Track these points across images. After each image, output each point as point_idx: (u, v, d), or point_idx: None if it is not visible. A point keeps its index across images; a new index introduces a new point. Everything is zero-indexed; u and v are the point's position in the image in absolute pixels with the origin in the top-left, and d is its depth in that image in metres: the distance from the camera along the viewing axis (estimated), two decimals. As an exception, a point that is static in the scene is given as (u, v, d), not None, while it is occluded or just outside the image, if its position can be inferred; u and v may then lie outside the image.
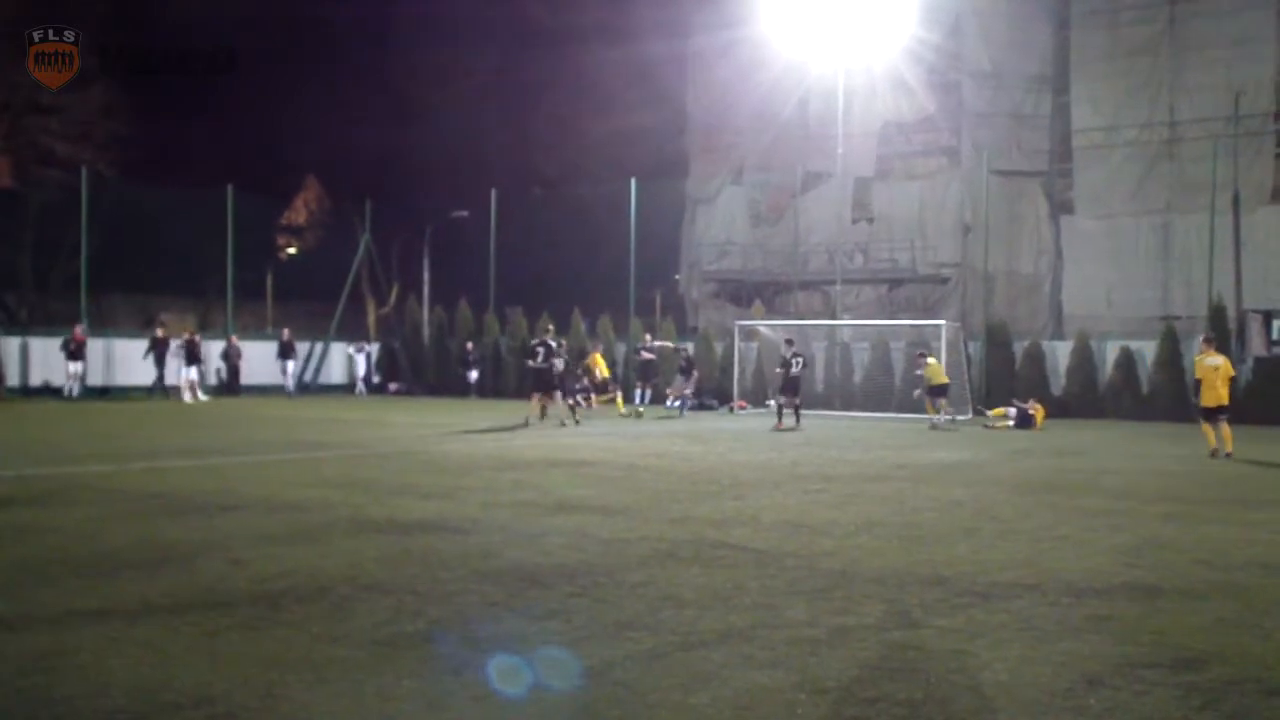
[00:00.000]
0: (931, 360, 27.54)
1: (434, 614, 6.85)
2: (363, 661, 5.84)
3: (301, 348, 40.65)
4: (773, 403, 33.41)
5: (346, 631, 6.43)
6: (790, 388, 25.70)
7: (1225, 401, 19.16)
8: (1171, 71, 35.18)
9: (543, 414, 24.91)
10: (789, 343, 27.01)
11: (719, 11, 40.79)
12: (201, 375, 34.96)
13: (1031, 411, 26.52)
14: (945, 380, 27.36)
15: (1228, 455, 18.43)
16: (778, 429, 24.57)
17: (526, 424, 24.24)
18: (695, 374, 31.50)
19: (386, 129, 54.27)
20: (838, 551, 9.12)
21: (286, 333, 38.47)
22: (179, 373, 34.08)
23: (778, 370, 26.54)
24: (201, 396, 33.93)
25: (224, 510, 10.93)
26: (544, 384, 24.79)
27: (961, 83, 38.85)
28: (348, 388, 41.51)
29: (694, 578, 8.00)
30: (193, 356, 34.22)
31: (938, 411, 26.88)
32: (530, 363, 25.13)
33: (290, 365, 37.80)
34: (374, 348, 42.44)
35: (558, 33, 56.32)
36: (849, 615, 6.94)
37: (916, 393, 28.07)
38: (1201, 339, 20.88)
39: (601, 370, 31.78)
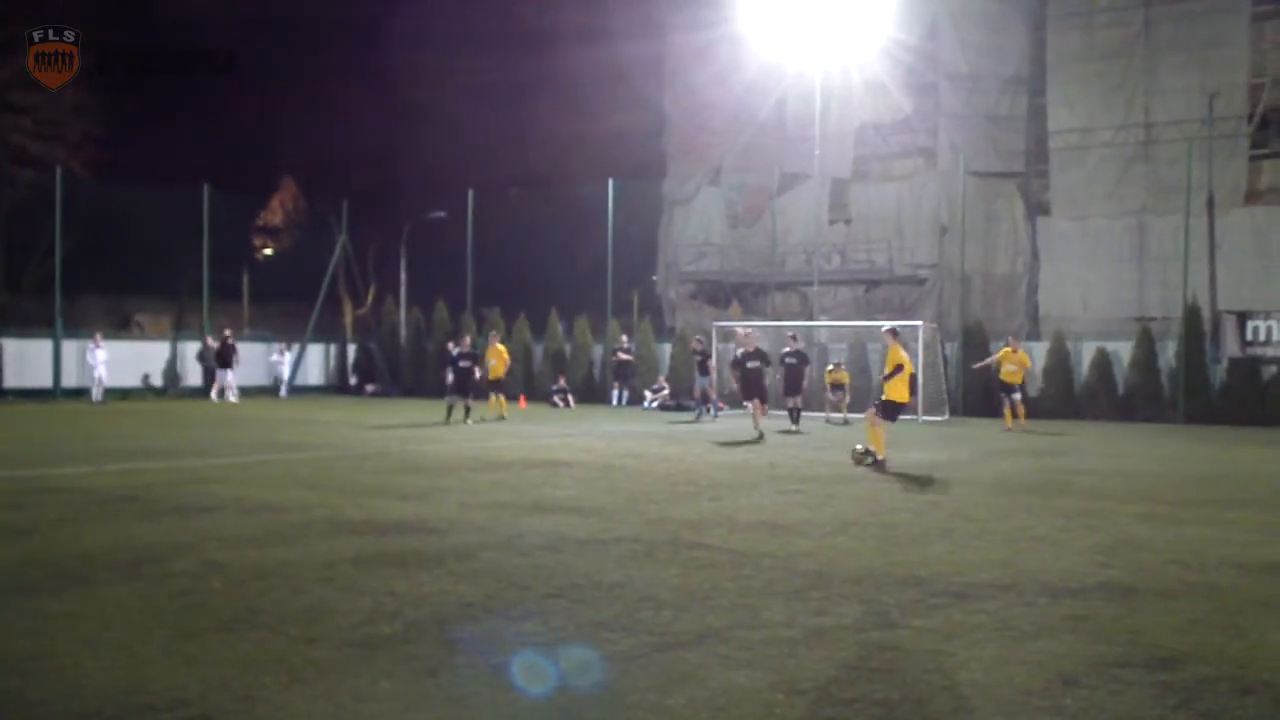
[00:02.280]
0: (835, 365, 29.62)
1: (411, 615, 6.84)
2: (340, 663, 5.83)
3: (275, 348, 40.52)
4: (748, 405, 33.53)
5: (323, 633, 6.41)
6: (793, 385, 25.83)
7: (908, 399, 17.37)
8: (1146, 74, 35.42)
9: (466, 415, 25.73)
10: (794, 338, 27.39)
11: (696, 12, 40.83)
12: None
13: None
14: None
15: (878, 461, 16.34)
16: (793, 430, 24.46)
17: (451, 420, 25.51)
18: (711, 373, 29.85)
19: (364, 130, 54.18)
20: (815, 552, 9.14)
21: (228, 334, 36.97)
22: (219, 375, 35.67)
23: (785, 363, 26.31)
24: (231, 398, 35.02)
25: (200, 512, 10.88)
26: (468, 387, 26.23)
27: (938, 84, 39.01)
28: (326, 388, 41.33)
29: (671, 578, 8.00)
30: (226, 359, 35.48)
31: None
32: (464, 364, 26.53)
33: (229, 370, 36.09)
34: (295, 350, 40.87)
35: (536, 34, 56.43)
36: (826, 616, 6.96)
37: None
38: (886, 329, 18.28)
39: (494, 366, 27.80)
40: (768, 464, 16.83)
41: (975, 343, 32.28)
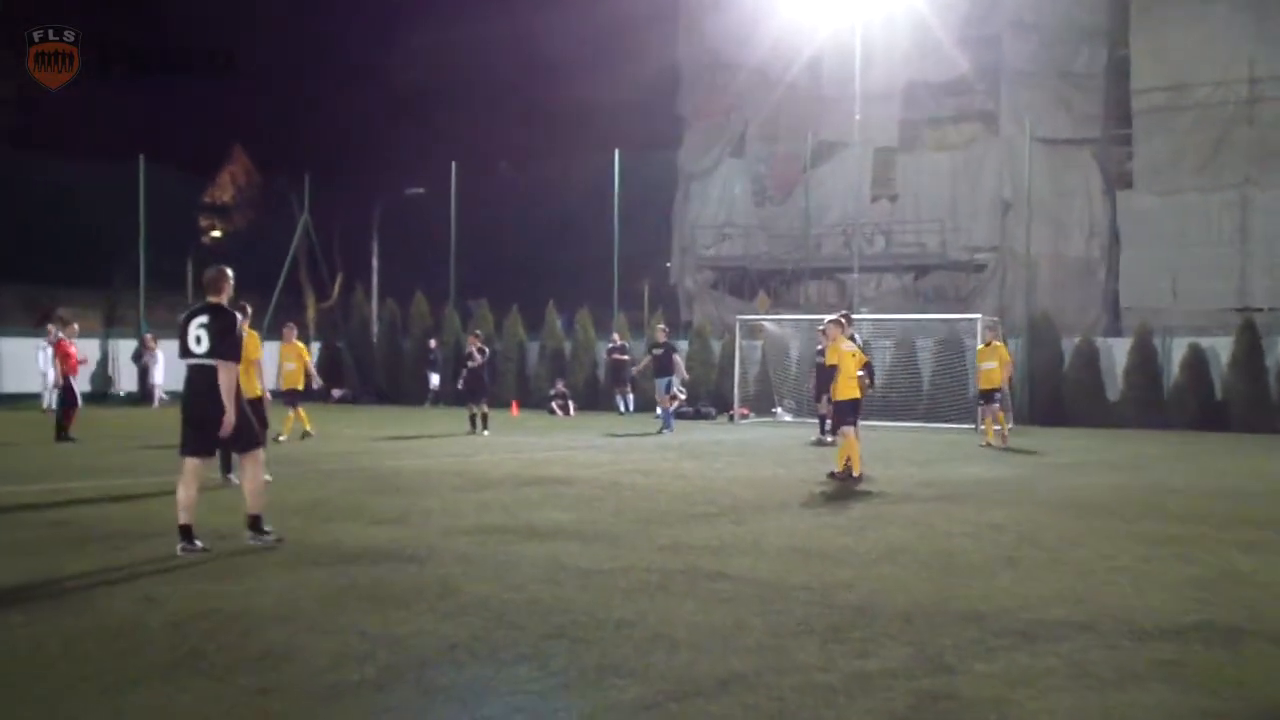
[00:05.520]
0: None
1: (384, 659, 6.83)
2: (300, 717, 5.81)
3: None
4: (781, 409, 33.50)
5: (281, 682, 6.40)
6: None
7: (859, 396, 17.44)
8: (1253, 19, 35.17)
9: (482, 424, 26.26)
10: (845, 320, 19.51)
11: (716, -47, 40.93)
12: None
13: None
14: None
15: (856, 476, 16.67)
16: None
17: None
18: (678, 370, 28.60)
19: (328, 91, 54.21)
20: (855, 583, 9.12)
21: (150, 338, 36.84)
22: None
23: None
24: None
25: (135, 540, 10.88)
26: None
27: (1000, 36, 38.97)
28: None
29: (688, 614, 7.99)
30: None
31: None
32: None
33: (156, 371, 36.13)
34: (160, 350, 37.98)
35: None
36: (870, 658, 6.94)
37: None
38: (830, 320, 18.23)
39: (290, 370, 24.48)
40: (799, 480, 16.82)
41: (1044, 339, 32.21)
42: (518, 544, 10.88)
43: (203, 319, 10.37)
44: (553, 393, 35.57)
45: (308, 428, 24.07)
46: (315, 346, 43.70)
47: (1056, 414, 30.96)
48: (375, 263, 46.47)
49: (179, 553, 10.04)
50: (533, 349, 39.15)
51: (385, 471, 17.67)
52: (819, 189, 41.11)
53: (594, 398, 36.98)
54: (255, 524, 10.67)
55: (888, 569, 9.81)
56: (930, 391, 32.35)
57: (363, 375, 42.03)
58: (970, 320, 31.32)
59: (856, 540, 11.30)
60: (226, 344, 10.29)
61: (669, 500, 14.30)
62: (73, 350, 24.57)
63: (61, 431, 23.02)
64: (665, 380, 27.96)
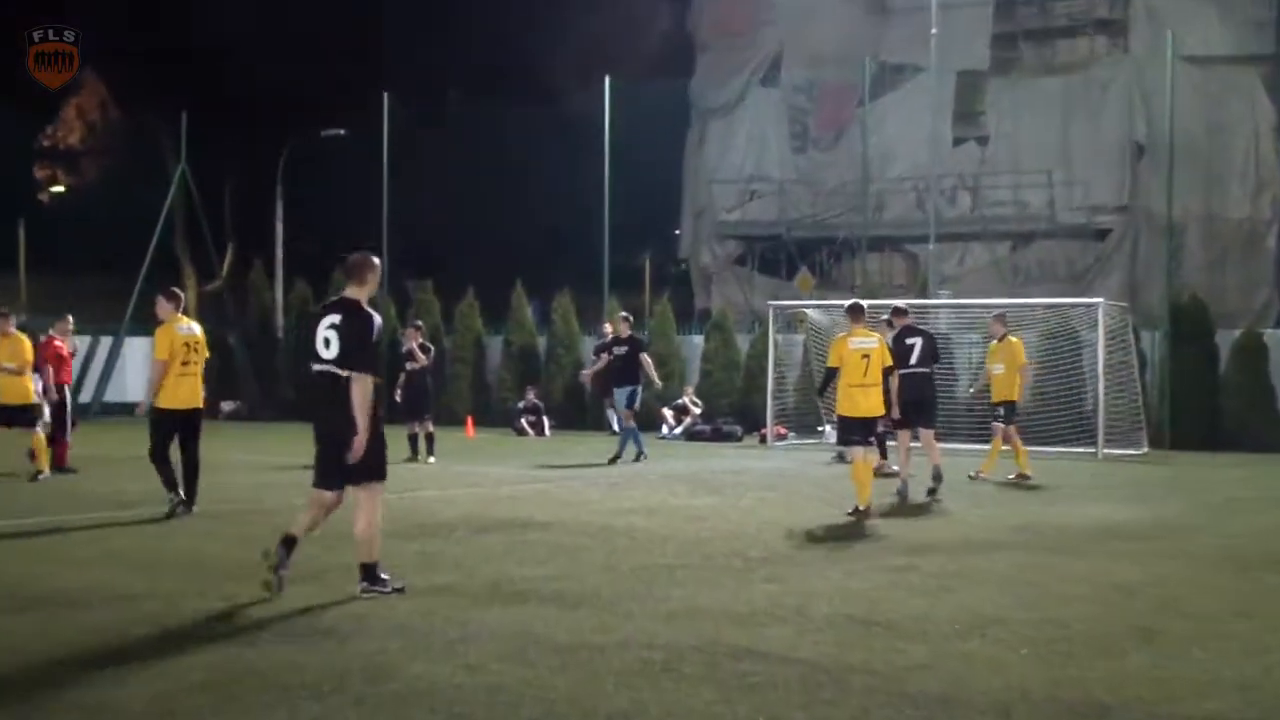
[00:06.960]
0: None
1: (292, 767, 6.84)
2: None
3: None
4: (828, 428, 33.49)
5: (152, 796, 6.41)
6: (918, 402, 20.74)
7: (878, 411, 17.99)
8: None
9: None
10: (900, 313, 22.25)
11: None
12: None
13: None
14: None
15: (864, 510, 17.32)
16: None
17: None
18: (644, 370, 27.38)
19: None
20: (934, 665, 9.13)
21: None
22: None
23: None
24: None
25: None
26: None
27: (1129, -82, 39.01)
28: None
29: (705, 705, 8.01)
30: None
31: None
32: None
33: None
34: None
35: None
36: (955, 765, 6.96)
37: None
38: (848, 306, 18.75)
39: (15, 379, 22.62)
40: (855, 523, 16.83)
41: (1191, 332, 32.03)
42: (475, 610, 10.89)
43: (334, 318, 11.41)
44: (521, 405, 35.63)
45: (43, 466, 22.26)
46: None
47: (1211, 434, 30.82)
48: (280, 229, 46.38)
49: (359, 594, 11.39)
50: (494, 346, 39.17)
51: (294, 513, 17.64)
52: (881, 129, 41.07)
53: (577, 412, 37.01)
54: (369, 573, 11.52)
55: (977, 645, 9.82)
56: (1033, 403, 32.22)
57: (263, 381, 42.02)
58: (1089, 306, 31.10)
59: (934, 605, 11.31)
60: (362, 351, 11.32)
61: (679, 550, 14.34)
62: (66, 352, 24.36)
63: (56, 462, 22.85)
64: (629, 390, 27.06)
